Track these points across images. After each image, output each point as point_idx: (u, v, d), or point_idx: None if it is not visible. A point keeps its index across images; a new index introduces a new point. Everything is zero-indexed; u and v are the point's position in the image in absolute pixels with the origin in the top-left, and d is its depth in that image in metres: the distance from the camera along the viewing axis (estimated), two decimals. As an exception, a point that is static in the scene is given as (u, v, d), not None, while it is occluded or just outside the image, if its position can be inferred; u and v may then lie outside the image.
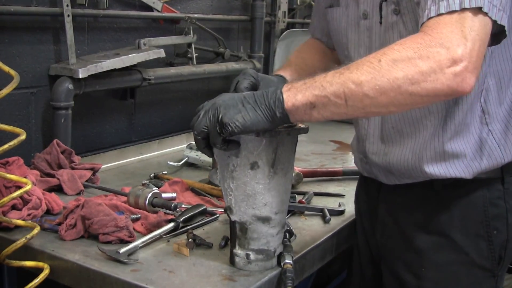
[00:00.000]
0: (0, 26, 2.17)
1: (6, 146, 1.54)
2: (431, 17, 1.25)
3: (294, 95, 1.29)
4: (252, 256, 1.51)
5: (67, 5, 2.28)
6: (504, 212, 1.58)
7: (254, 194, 1.46)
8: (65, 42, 2.32)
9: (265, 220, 1.49)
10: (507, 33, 1.30)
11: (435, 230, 1.61)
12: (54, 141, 2.17)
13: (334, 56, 1.85)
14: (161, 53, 2.60)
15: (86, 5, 2.42)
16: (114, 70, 2.41)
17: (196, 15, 3.05)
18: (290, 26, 4.02)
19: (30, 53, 2.30)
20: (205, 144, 1.39)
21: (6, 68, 1.61)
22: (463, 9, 1.22)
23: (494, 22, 1.26)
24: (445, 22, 1.23)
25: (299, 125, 1.46)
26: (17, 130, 1.59)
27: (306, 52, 1.92)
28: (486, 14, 1.24)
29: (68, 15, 2.29)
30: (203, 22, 3.11)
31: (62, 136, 2.30)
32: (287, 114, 1.30)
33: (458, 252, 1.59)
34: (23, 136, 1.58)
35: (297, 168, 2.34)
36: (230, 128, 1.30)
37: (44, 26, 2.35)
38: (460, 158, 1.51)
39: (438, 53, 1.19)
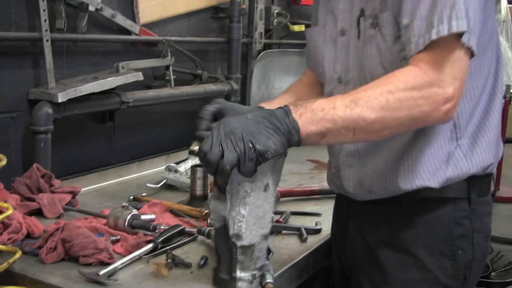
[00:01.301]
0: (-21, 51, 2.21)
1: (-15, 171, 1.56)
2: (423, 49, 1.38)
3: (308, 126, 1.35)
4: (257, 275, 1.51)
5: (46, 30, 2.31)
6: (470, 232, 1.62)
7: (264, 214, 1.47)
8: (44, 67, 2.35)
9: (266, 236, 1.51)
10: (475, 53, 1.40)
11: (401, 247, 1.63)
12: (34, 165, 2.19)
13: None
14: (139, 76, 2.64)
15: (65, 30, 2.45)
16: (93, 93, 2.44)
17: (173, 38, 3.10)
18: (267, 47, 4.08)
19: (9, 78, 2.33)
20: (228, 174, 1.34)
21: (-16, 94, 1.63)
22: (451, 45, 1.36)
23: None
24: (438, 61, 1.36)
25: None
26: (-2, 155, 1.62)
27: (295, 86, 1.97)
28: (464, 45, 1.36)
29: (47, 40, 2.33)
30: (180, 45, 3.15)
31: (42, 160, 2.32)
32: (300, 141, 1.36)
33: (422, 270, 1.61)
34: (3, 162, 1.60)
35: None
36: (267, 155, 1.32)
37: (23, 51, 2.38)
38: (427, 167, 1.56)
39: (436, 93, 1.36)
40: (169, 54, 3.01)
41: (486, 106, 1.62)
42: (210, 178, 1.97)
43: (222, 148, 1.30)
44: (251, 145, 1.30)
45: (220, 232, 1.48)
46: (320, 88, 1.88)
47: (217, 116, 1.57)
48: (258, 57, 3.83)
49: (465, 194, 1.61)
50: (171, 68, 3.03)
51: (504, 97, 5.56)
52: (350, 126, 1.35)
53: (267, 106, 1.69)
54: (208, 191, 2.22)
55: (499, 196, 5.15)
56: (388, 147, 1.60)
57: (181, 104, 3.28)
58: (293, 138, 1.34)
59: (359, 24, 1.60)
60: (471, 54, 1.41)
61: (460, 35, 1.36)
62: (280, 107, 1.38)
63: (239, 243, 1.45)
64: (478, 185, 1.63)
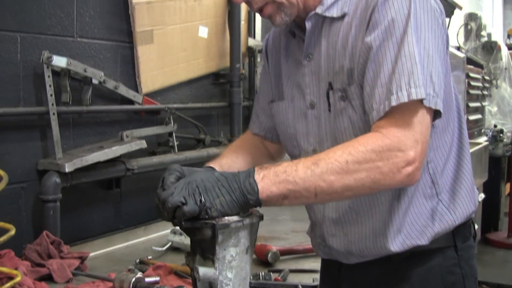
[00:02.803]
0: (-10, 127, 2.33)
1: (-3, 241, 1.66)
2: (384, 115, 1.42)
3: (269, 187, 1.37)
4: None
5: (52, 104, 2.44)
6: (461, 278, 1.66)
7: (246, 276, 1.50)
8: (52, 138, 2.47)
9: None
10: (442, 113, 1.45)
11: None
12: (44, 232, 2.29)
13: (268, 150, 1.95)
14: (143, 144, 2.76)
15: (70, 103, 2.58)
16: (99, 162, 2.55)
17: (176, 105, 3.23)
18: (267, 109, 4.18)
19: (19, 150, 2.45)
20: (171, 217, 1.38)
21: (-5, 169, 1.75)
22: (412, 110, 1.40)
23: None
24: (399, 125, 1.40)
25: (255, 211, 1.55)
26: (7, 225, 1.73)
27: (239, 147, 1.98)
28: (427, 107, 1.41)
29: (54, 113, 2.46)
30: (183, 111, 3.28)
31: (51, 227, 2.41)
32: (260, 202, 1.38)
33: None
34: (12, 232, 1.71)
35: (275, 247, 2.46)
36: (209, 212, 1.35)
37: (31, 124, 2.51)
38: (415, 226, 1.60)
39: (395, 156, 1.37)
40: (172, 121, 3.13)
41: (457, 158, 1.67)
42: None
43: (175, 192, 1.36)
44: (198, 198, 1.34)
45: None
46: (263, 151, 1.95)
47: None
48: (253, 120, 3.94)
49: (451, 242, 1.65)
50: (174, 135, 3.14)
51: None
52: (311, 188, 1.37)
53: (214, 164, 1.75)
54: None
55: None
56: (370, 214, 1.63)
57: (185, 168, 3.36)
58: (250, 199, 1.36)
59: (329, 98, 1.62)
60: (437, 116, 1.45)
61: (420, 101, 1.39)
62: (245, 170, 1.41)
63: None
64: (462, 231, 1.67)
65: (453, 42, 6.84)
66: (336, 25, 1.60)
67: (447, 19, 5.67)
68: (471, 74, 4.99)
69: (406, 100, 1.39)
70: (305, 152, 1.72)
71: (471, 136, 5.17)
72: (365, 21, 1.51)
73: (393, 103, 1.40)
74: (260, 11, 1.63)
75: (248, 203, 1.38)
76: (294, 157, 1.80)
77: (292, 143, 1.79)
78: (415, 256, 1.63)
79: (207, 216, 1.36)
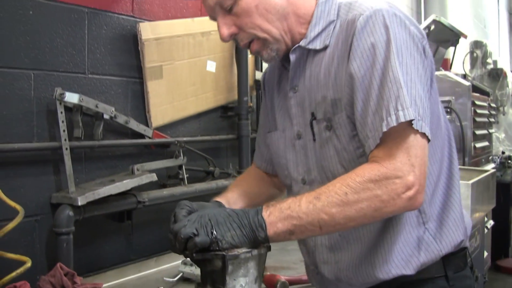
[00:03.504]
0: (6, 161, 2.39)
1: (13, 273, 1.73)
2: (379, 143, 1.45)
3: (275, 224, 1.44)
4: None
5: (65, 139, 2.51)
6: None
7: None
8: (65, 172, 2.53)
9: None
10: (430, 138, 1.48)
11: None
12: (58, 264, 2.34)
13: (273, 181, 2.01)
14: (153, 177, 2.82)
15: (83, 138, 2.65)
16: (111, 195, 2.61)
17: (185, 138, 3.29)
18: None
19: (33, 184, 2.51)
20: (183, 248, 1.45)
21: (12, 203, 1.82)
22: (403, 134, 1.43)
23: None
24: (393, 152, 1.44)
25: None
26: (23, 258, 1.79)
27: (245, 180, 2.05)
28: (417, 131, 1.44)
29: (66, 148, 2.52)
30: (192, 144, 3.34)
31: (64, 259, 2.46)
32: (268, 238, 1.45)
33: None
34: (28, 264, 1.77)
35: (284, 276, 2.50)
36: (220, 244, 1.42)
37: (45, 159, 2.57)
38: (401, 255, 1.61)
39: (394, 183, 1.41)
40: (182, 154, 3.19)
41: (446, 188, 1.68)
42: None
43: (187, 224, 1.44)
44: (210, 231, 1.42)
45: None
46: (269, 182, 2.01)
47: None
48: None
49: (441, 272, 1.65)
50: (183, 167, 3.20)
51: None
52: (315, 221, 1.42)
53: (221, 199, 1.82)
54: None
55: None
56: (359, 241, 1.65)
57: (195, 200, 3.38)
58: (259, 235, 1.43)
59: (313, 128, 1.67)
60: (428, 139, 1.47)
61: (410, 123, 1.42)
62: (254, 208, 1.48)
63: None
64: (453, 261, 1.68)
65: (459, 70, 6.90)
66: (319, 56, 1.65)
67: (452, 48, 5.73)
68: (477, 102, 5.03)
69: (395, 123, 1.42)
70: (296, 181, 1.77)
71: (479, 163, 5.19)
72: (346, 51, 1.55)
73: (384, 129, 1.43)
74: (248, 48, 1.69)
75: (257, 239, 1.44)
76: (287, 187, 1.87)
77: (284, 173, 1.84)
78: (404, 286, 1.65)
79: (217, 248, 1.43)
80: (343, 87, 1.56)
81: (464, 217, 1.72)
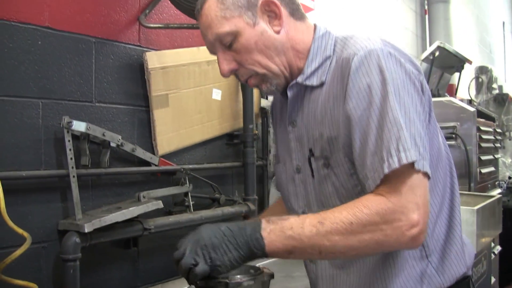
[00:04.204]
0: (14, 189, 2.41)
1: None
2: (380, 183, 1.46)
3: (275, 243, 1.45)
4: None
5: (72, 167, 2.54)
6: None
7: None
8: (72, 200, 2.55)
9: None
10: (430, 176, 1.49)
11: None
12: (64, 291, 2.37)
13: None
14: (159, 205, 2.84)
15: (89, 166, 2.68)
16: (117, 222, 2.63)
17: (191, 166, 3.32)
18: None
19: (40, 212, 2.54)
20: (186, 277, 1.48)
21: (19, 230, 1.85)
22: (407, 174, 1.44)
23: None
24: (399, 190, 1.44)
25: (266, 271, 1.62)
26: (31, 284, 1.82)
27: (274, 207, 2.09)
28: (420, 171, 1.45)
29: (74, 176, 2.55)
30: (198, 172, 3.37)
31: (71, 285, 2.47)
32: (266, 255, 1.46)
33: None
34: (35, 290, 1.79)
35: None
36: (220, 269, 1.44)
37: (52, 186, 2.60)
38: None
39: (399, 219, 1.42)
40: (187, 182, 3.21)
41: (448, 220, 1.70)
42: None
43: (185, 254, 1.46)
44: (208, 257, 1.44)
45: None
46: None
47: None
48: (273, 178, 4.01)
49: None
50: (189, 195, 3.22)
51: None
52: (316, 246, 1.43)
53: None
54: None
55: None
56: (360, 274, 1.67)
57: (201, 226, 3.43)
58: (257, 253, 1.45)
59: (311, 164, 1.69)
60: (428, 178, 1.48)
61: (412, 164, 1.43)
62: (253, 222, 1.48)
63: None
64: None
65: (464, 95, 6.93)
66: (316, 93, 1.67)
67: (457, 74, 5.77)
68: (482, 127, 5.05)
69: (397, 165, 1.43)
70: (297, 214, 1.77)
71: (485, 189, 5.19)
72: (342, 91, 1.56)
73: (386, 171, 1.44)
74: (247, 82, 1.72)
75: (255, 255, 1.45)
76: None
77: (287, 204, 1.86)
78: None
79: (217, 275, 1.45)
80: (339, 126, 1.57)
81: (465, 246, 1.73)
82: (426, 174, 1.47)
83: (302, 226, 1.45)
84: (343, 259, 1.66)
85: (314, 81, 1.68)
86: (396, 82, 1.50)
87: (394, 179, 1.45)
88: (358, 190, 1.58)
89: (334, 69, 1.63)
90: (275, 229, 1.46)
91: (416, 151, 1.45)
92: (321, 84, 1.66)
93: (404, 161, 1.43)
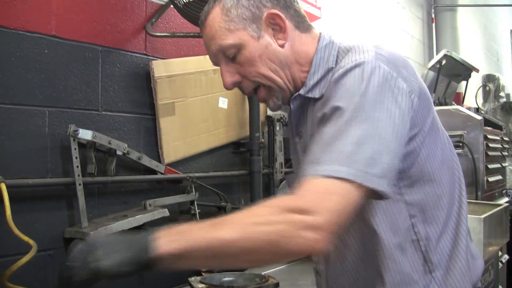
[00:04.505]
0: (20, 197, 2.42)
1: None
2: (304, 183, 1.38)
3: (163, 245, 1.29)
4: None
5: (78, 175, 2.55)
6: None
7: None
8: (78, 208, 2.57)
9: None
10: (388, 196, 1.40)
11: None
12: (69, 299, 2.36)
13: None
14: (165, 213, 2.85)
15: (96, 174, 2.69)
16: (123, 230, 2.64)
17: (197, 174, 3.32)
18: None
19: (46, 219, 2.55)
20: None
21: (25, 238, 1.86)
22: (334, 183, 1.33)
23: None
24: (312, 192, 1.34)
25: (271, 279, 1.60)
26: (34, 291, 1.81)
27: None
28: (358, 184, 1.35)
29: (80, 184, 2.56)
30: (204, 180, 3.37)
31: (76, 294, 2.49)
32: (154, 261, 1.30)
33: None
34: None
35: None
36: (103, 270, 1.32)
37: (58, 194, 2.61)
38: None
39: (298, 216, 1.29)
40: (194, 190, 3.22)
41: (454, 235, 1.65)
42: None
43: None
44: (90, 262, 1.32)
45: None
46: None
47: None
48: (280, 186, 4.01)
49: None
50: (195, 203, 3.23)
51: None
52: (207, 249, 1.30)
53: None
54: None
55: None
56: None
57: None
58: (142, 257, 1.29)
59: None
60: (382, 196, 1.39)
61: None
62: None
63: None
64: None
65: (471, 103, 6.92)
66: (317, 105, 1.65)
67: (464, 82, 5.76)
68: (489, 136, 5.04)
69: (322, 173, 1.35)
70: None
71: (492, 197, 5.18)
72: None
73: (313, 174, 1.37)
74: (254, 94, 1.71)
75: (142, 260, 1.30)
76: None
77: None
78: None
79: (100, 277, 1.32)
80: None
81: (475, 260, 1.71)
82: (360, 186, 1.36)
83: (193, 228, 1.33)
84: (240, 266, 1.55)
85: (316, 93, 1.66)
86: (372, 98, 1.45)
87: (313, 185, 1.36)
88: None
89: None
90: (166, 233, 1.32)
91: (366, 167, 1.36)
92: (322, 97, 1.64)
93: (328, 173, 1.35)
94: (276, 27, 1.67)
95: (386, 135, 1.42)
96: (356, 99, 1.44)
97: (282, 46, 1.67)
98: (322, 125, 1.47)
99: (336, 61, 1.66)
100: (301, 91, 1.69)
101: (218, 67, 1.70)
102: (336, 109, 1.45)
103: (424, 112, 1.58)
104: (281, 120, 3.93)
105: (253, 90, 1.72)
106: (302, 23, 1.73)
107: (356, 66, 1.50)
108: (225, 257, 1.33)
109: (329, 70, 1.65)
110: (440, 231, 1.63)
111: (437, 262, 1.62)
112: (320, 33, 1.76)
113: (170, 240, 1.30)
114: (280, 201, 1.36)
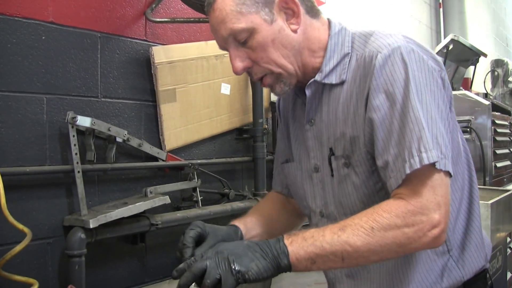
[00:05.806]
0: (19, 185, 2.42)
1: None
2: (402, 183, 1.43)
3: (297, 251, 1.40)
4: None
5: (77, 163, 2.53)
6: None
7: None
8: (77, 195, 2.55)
9: None
10: (452, 174, 1.46)
11: None
12: (69, 286, 2.35)
13: (293, 205, 1.93)
14: (166, 200, 2.82)
15: (95, 161, 2.67)
16: (123, 218, 2.62)
17: (199, 161, 3.30)
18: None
19: (45, 207, 2.53)
20: None
21: (20, 226, 1.83)
22: (428, 174, 1.41)
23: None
24: (419, 191, 1.41)
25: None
26: (31, 280, 1.80)
27: (264, 205, 2.01)
28: (441, 170, 1.42)
29: (79, 171, 2.54)
30: (207, 166, 3.35)
31: (77, 281, 2.47)
32: (290, 266, 1.41)
33: None
34: (35, 286, 1.77)
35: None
36: (247, 276, 1.37)
37: (57, 182, 2.60)
38: (425, 283, 1.60)
39: (420, 220, 1.39)
40: (196, 177, 3.19)
41: (467, 213, 1.67)
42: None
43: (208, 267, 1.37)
44: (233, 266, 1.36)
45: None
46: (289, 207, 1.95)
47: (199, 240, 1.60)
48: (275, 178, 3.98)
49: None
50: (198, 190, 3.20)
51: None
52: (338, 253, 1.39)
53: (239, 223, 1.78)
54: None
55: None
56: (380, 270, 1.64)
57: (210, 222, 3.38)
58: (282, 262, 1.39)
59: (331, 163, 1.64)
60: (450, 176, 1.45)
61: (434, 163, 1.40)
62: (275, 238, 1.44)
63: None
64: (474, 283, 1.66)
65: (480, 89, 6.86)
66: (336, 91, 1.63)
67: (472, 67, 5.70)
68: (497, 121, 4.98)
69: (418, 166, 1.40)
70: (314, 213, 1.75)
71: (501, 183, 5.13)
72: (365, 90, 1.53)
73: (407, 171, 1.41)
74: (260, 81, 1.66)
75: (280, 267, 1.40)
76: (306, 216, 1.84)
77: (302, 203, 1.82)
78: None
79: (244, 280, 1.38)
80: (363, 126, 1.54)
81: (484, 239, 1.71)
82: (447, 173, 1.44)
83: (323, 234, 1.42)
84: (365, 264, 1.62)
85: (333, 79, 1.63)
86: (418, 81, 1.47)
87: (415, 180, 1.43)
88: (379, 187, 1.56)
89: (355, 68, 1.59)
90: (297, 239, 1.43)
91: (437, 151, 1.42)
92: (342, 83, 1.61)
93: (426, 161, 1.41)
94: (289, 11, 1.62)
95: (435, 117, 1.47)
96: (404, 84, 1.47)
97: (295, 31, 1.62)
98: (374, 113, 1.49)
99: (352, 46, 1.63)
100: (317, 77, 1.64)
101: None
102: (388, 96, 1.48)
103: (448, 93, 1.60)
104: (285, 106, 3.89)
105: (262, 77, 1.67)
106: (312, 8, 1.69)
107: (393, 50, 1.51)
108: (354, 260, 1.43)
109: (345, 55, 1.63)
110: (456, 211, 1.65)
111: (454, 240, 1.64)
112: (329, 19, 1.72)
113: (301, 246, 1.41)
114: (400, 204, 1.43)
